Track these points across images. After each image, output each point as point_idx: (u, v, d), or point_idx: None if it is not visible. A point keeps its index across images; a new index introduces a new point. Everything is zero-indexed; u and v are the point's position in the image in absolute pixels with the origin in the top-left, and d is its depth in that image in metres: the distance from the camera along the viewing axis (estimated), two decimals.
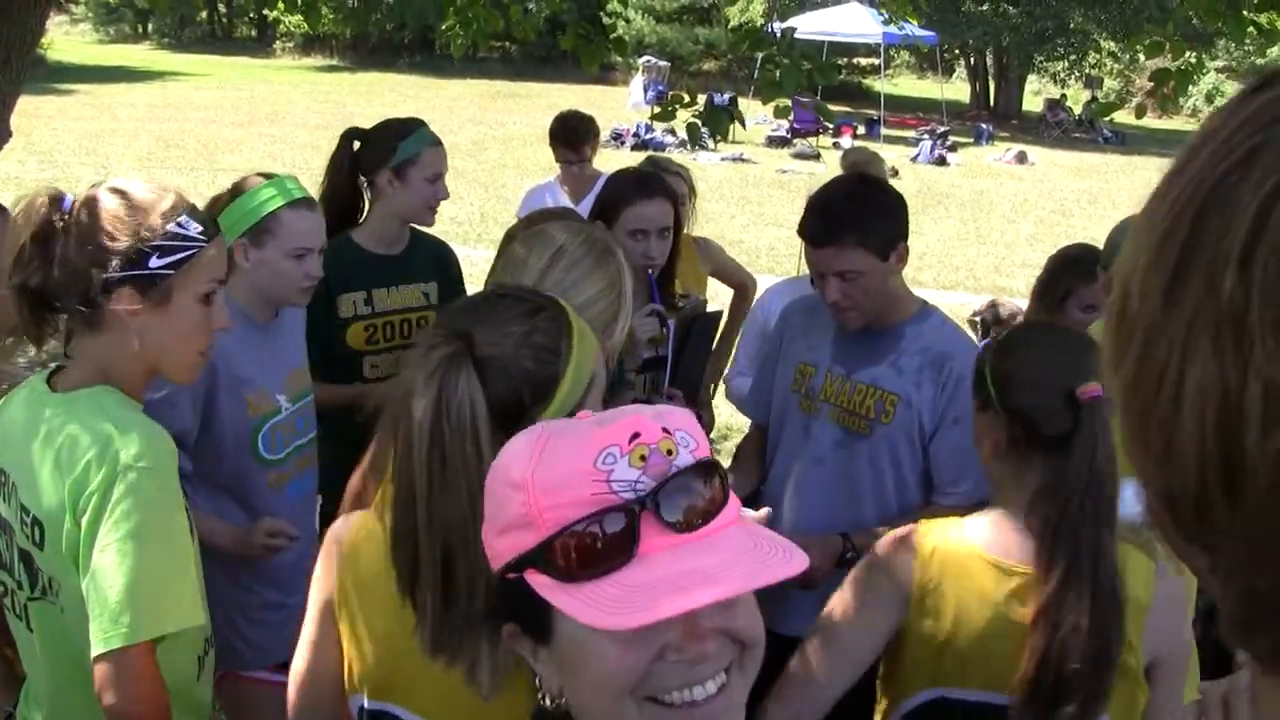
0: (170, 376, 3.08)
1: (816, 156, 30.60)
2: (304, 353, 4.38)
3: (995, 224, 22.49)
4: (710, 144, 31.14)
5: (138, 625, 2.64)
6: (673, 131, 31.64)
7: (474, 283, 5.76)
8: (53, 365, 3.00)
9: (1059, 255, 5.32)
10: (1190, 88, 6.96)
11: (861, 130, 34.58)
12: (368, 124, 5.39)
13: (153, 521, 2.71)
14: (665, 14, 50.64)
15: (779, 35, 7.03)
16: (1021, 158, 33.49)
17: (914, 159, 31.29)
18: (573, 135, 7.80)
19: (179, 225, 2.86)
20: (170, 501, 2.79)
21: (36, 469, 2.79)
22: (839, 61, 36.98)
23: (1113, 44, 49.12)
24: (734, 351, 6.00)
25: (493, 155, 26.78)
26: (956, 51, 49.46)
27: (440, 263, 5.41)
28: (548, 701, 1.64)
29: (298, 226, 4.07)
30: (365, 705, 2.52)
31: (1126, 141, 39.53)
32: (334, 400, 4.51)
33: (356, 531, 2.57)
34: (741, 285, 6.88)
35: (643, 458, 1.49)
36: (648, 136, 30.26)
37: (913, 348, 4.02)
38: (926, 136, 34.39)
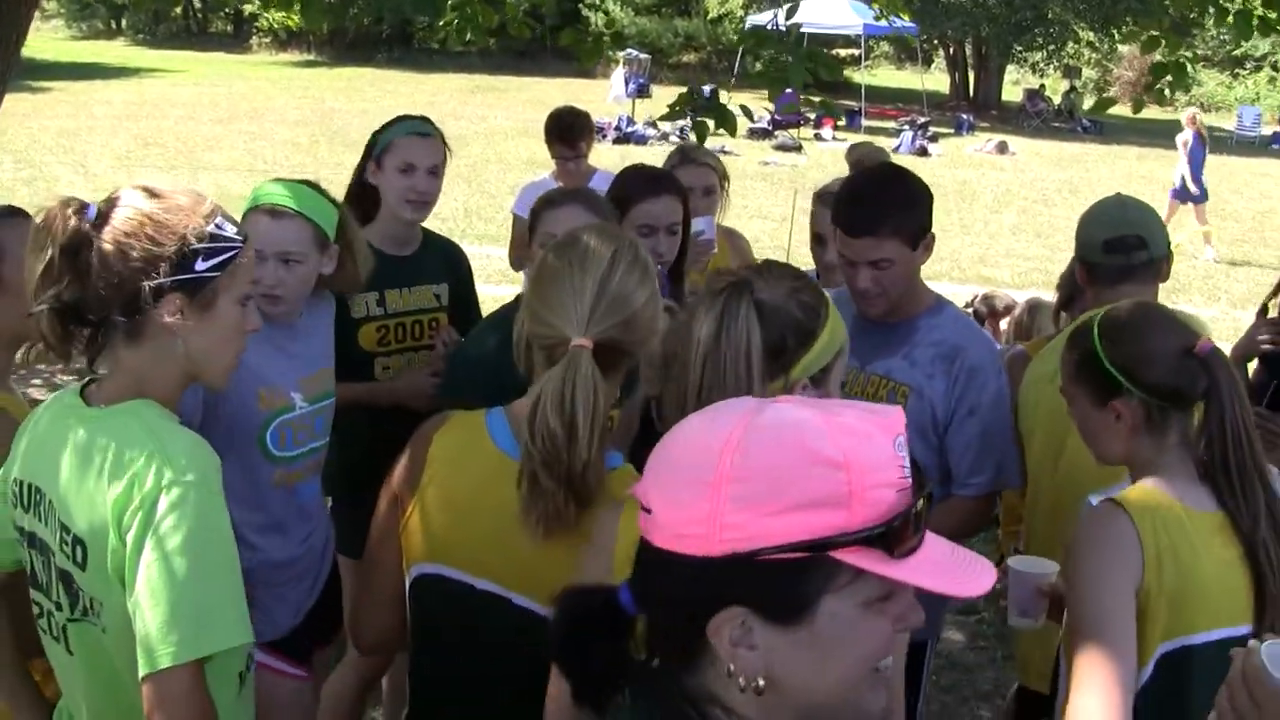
0: (208, 383, 3.01)
1: (798, 148, 30.61)
2: (329, 356, 4.32)
3: (978, 214, 22.50)
4: (692, 136, 31.12)
5: (186, 644, 2.58)
6: (654, 125, 31.64)
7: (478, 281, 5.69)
8: (84, 380, 2.92)
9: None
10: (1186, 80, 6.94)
11: (843, 122, 34.58)
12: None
13: (200, 537, 2.65)
14: (644, 6, 50.59)
15: (785, 30, 6.96)
16: (1002, 148, 33.52)
17: (895, 150, 31.19)
18: (568, 131, 7.80)
19: (218, 227, 2.82)
20: (217, 516, 2.72)
21: (76, 487, 2.73)
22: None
23: (1091, 34, 49.26)
24: None
25: (475, 150, 26.63)
26: (935, 42, 49.47)
27: (451, 263, 5.35)
28: (740, 684, 1.67)
29: (261, 231, 3.97)
30: (417, 573, 2.93)
31: (1105, 131, 39.57)
32: (345, 398, 4.44)
33: (451, 423, 2.98)
34: None
35: (900, 445, 1.66)
36: (629, 130, 30.23)
37: (926, 340, 4.09)
38: (907, 127, 34.43)
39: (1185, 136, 21.03)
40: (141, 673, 2.58)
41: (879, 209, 4.09)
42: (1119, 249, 4.22)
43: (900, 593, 1.67)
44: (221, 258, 2.80)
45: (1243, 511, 3.07)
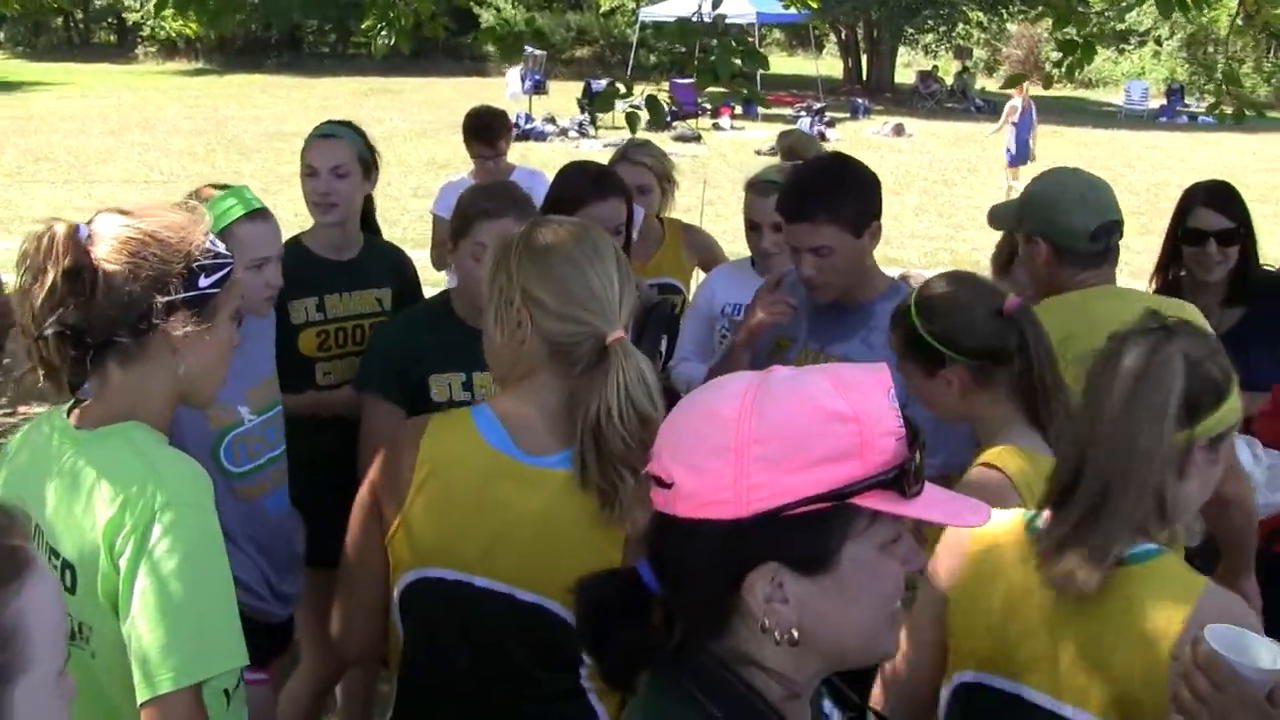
0: (199, 401, 3.00)
1: (698, 139, 30.66)
2: (271, 364, 4.32)
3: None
4: (592, 130, 31.10)
5: (184, 668, 2.55)
6: (552, 120, 31.62)
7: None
8: (69, 402, 2.88)
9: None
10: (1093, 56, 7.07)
11: (739, 110, 34.67)
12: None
13: (194, 560, 2.63)
14: (536, 2, 50.50)
15: (712, 22, 6.98)
16: (899, 130, 33.78)
17: (799, 130, 31.47)
18: (486, 130, 7.83)
19: (213, 243, 2.83)
20: (211, 538, 2.70)
21: (66, 511, 2.70)
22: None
23: (980, 14, 49.75)
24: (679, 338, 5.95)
25: None
26: (827, 27, 49.73)
27: (395, 268, 5.36)
28: (776, 638, 1.78)
29: (252, 237, 4.04)
30: (413, 578, 2.90)
31: (999, 110, 39.81)
32: (290, 409, 4.41)
33: (436, 427, 2.94)
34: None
35: (893, 397, 1.79)
36: (528, 126, 30.13)
37: (883, 324, 4.04)
38: (804, 113, 34.61)
39: (1015, 103, 23.52)
40: (142, 698, 2.55)
41: (818, 196, 4.16)
42: (1102, 235, 4.20)
43: (904, 536, 1.81)
44: (221, 274, 2.81)
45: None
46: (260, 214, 4.13)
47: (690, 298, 6.23)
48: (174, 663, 2.54)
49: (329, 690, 5.33)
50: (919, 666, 2.95)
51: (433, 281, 6.94)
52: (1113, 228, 4.19)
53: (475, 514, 2.85)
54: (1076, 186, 4.26)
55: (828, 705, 2.03)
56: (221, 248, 2.86)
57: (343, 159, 5.01)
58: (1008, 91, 25.71)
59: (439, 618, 2.93)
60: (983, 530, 2.77)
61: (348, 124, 5.24)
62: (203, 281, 2.77)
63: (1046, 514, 2.72)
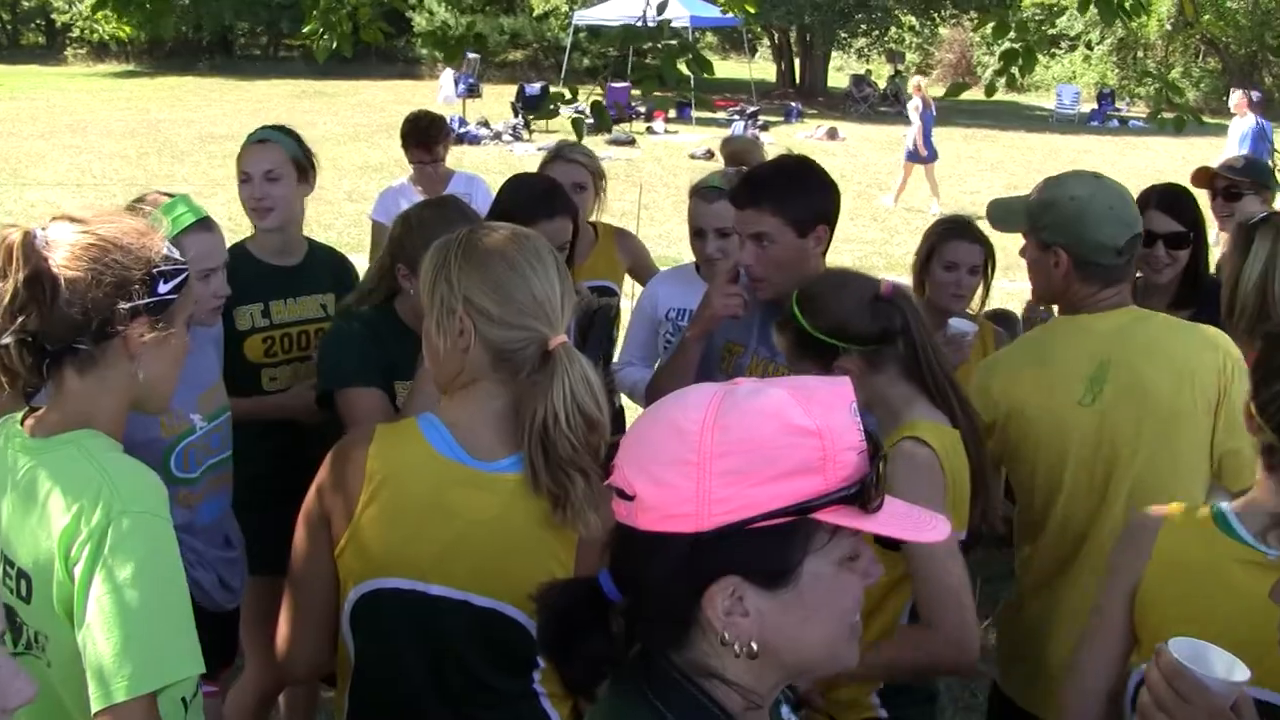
0: (153, 407, 2.99)
1: (632, 142, 30.68)
2: (217, 371, 4.31)
3: None
4: (526, 134, 31.06)
5: (140, 677, 2.53)
6: (486, 124, 31.55)
7: None
8: (22, 411, 2.86)
9: (931, 225, 5.71)
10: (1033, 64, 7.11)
11: (673, 114, 34.72)
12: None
13: (150, 568, 2.61)
14: (469, 5, 50.39)
15: (656, 27, 6.98)
16: (832, 134, 33.95)
17: (743, 134, 31.49)
18: (424, 135, 7.81)
19: (169, 249, 2.83)
20: (166, 546, 2.68)
21: (20, 520, 2.68)
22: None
23: (913, 19, 50.03)
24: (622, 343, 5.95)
25: None
26: (761, 31, 49.88)
27: (337, 273, 5.35)
28: (735, 651, 1.78)
29: (199, 248, 4.02)
30: (365, 590, 2.87)
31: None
32: (238, 414, 4.39)
33: (384, 437, 2.91)
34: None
35: (854, 411, 1.80)
36: (462, 130, 30.02)
37: None
38: (737, 117, 34.69)
39: (915, 104, 23.43)
40: (96, 707, 2.53)
41: (765, 185, 4.23)
42: (1128, 250, 3.97)
43: (863, 550, 1.82)
44: (178, 280, 2.82)
45: (960, 419, 3.55)
46: (206, 223, 4.13)
47: (632, 301, 6.22)
48: (129, 671, 2.52)
49: (273, 700, 5.31)
50: (1108, 660, 2.93)
51: None
52: (1137, 241, 4.02)
53: (429, 522, 2.84)
54: (1105, 198, 3.97)
55: (786, 710, 2.06)
56: (177, 254, 2.86)
57: (275, 163, 5.01)
58: (939, 95, 25.89)
59: (393, 628, 2.91)
60: (1169, 525, 2.84)
61: (282, 128, 5.23)
62: (162, 288, 2.77)
63: (1237, 503, 2.77)
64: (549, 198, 4.91)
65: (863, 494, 1.74)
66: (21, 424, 2.81)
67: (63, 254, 2.66)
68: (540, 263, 2.88)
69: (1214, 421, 3.75)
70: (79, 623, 2.58)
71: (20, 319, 2.64)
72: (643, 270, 6.69)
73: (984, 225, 4.66)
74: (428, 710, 2.96)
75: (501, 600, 2.86)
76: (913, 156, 23.24)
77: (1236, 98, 18.80)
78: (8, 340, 2.65)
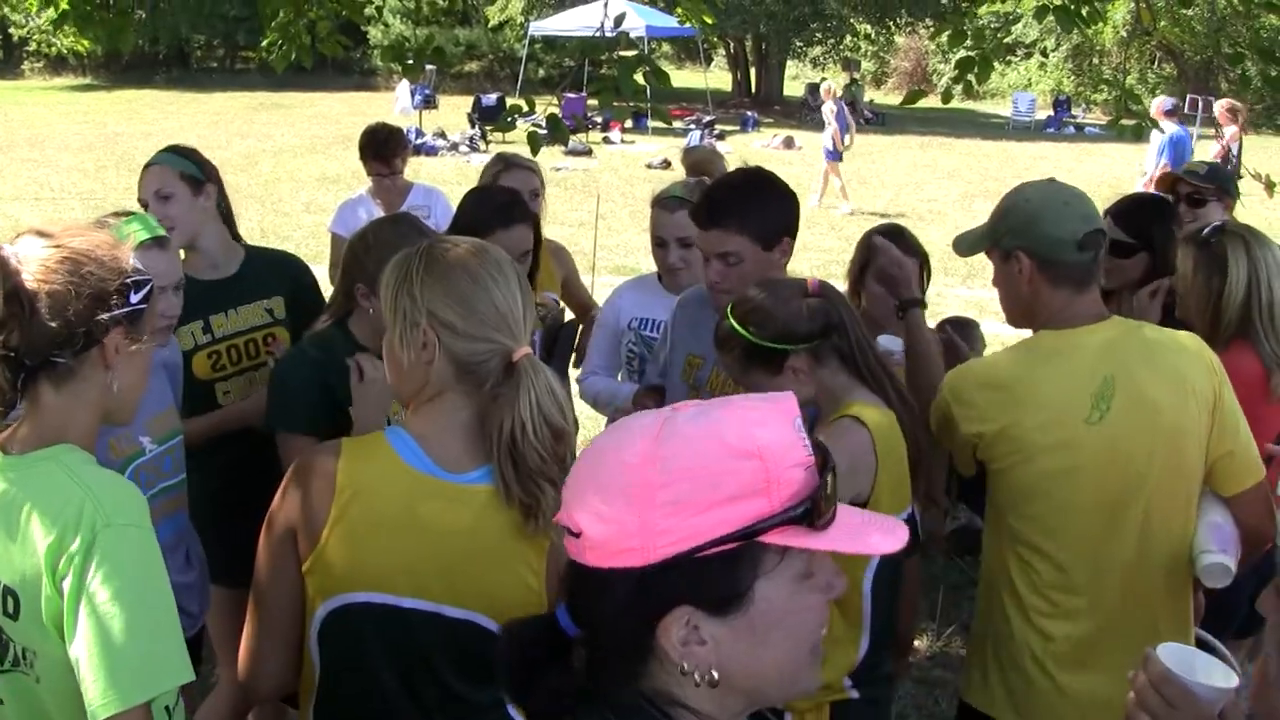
0: (122, 418, 2.99)
1: (589, 153, 30.65)
2: (169, 396, 4.29)
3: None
4: (482, 145, 31.03)
5: (135, 687, 2.57)
6: (443, 135, 31.50)
7: None
8: None
9: (866, 233, 5.63)
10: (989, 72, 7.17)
11: (629, 124, 34.76)
12: (133, 143, 5.27)
13: (138, 579, 2.65)
14: (425, 17, 50.36)
15: (614, 38, 7.01)
16: (789, 143, 34.03)
17: (701, 144, 31.51)
18: (383, 148, 7.81)
19: (136, 260, 2.87)
20: (151, 556, 2.71)
21: (4, 538, 2.68)
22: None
23: (868, 27, 50.18)
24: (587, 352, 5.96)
25: (265, 169, 26.30)
26: (716, 40, 49.97)
27: (284, 276, 5.29)
28: (695, 680, 1.74)
29: (151, 266, 3.94)
30: (336, 605, 2.87)
31: (887, 122, 40.41)
32: (194, 432, 4.40)
33: (352, 452, 2.91)
34: (583, 307, 6.87)
35: (799, 427, 1.77)
36: (419, 141, 29.97)
37: None
38: (694, 126, 34.74)
39: (830, 106, 24.81)
40: (95, 718, 2.55)
41: (728, 205, 4.23)
42: (1090, 245, 3.85)
43: (821, 566, 1.79)
44: (146, 289, 2.85)
45: (894, 401, 3.73)
46: (160, 242, 4.13)
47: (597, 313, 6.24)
48: (125, 681, 2.55)
49: (245, 715, 5.29)
50: None
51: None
52: (1099, 237, 3.87)
53: (400, 535, 2.85)
54: (1060, 194, 3.91)
55: None
56: (143, 265, 2.89)
57: (162, 182, 4.97)
58: (895, 103, 26.00)
59: (365, 642, 2.92)
60: None
61: (173, 148, 5.19)
62: (134, 297, 2.80)
63: None
64: (508, 208, 4.97)
65: (810, 512, 1.71)
66: None
67: (36, 269, 2.67)
68: (502, 275, 2.90)
69: (1210, 426, 3.75)
70: (70, 636, 2.59)
71: (6, 337, 2.65)
72: (574, 286, 6.75)
73: (926, 232, 4.66)
74: (396, 714, 2.97)
75: (475, 611, 2.89)
76: (832, 156, 24.46)
77: (1154, 106, 19.08)
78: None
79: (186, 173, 5.00)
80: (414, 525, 2.85)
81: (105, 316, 2.72)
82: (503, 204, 5.03)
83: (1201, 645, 3.87)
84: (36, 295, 2.65)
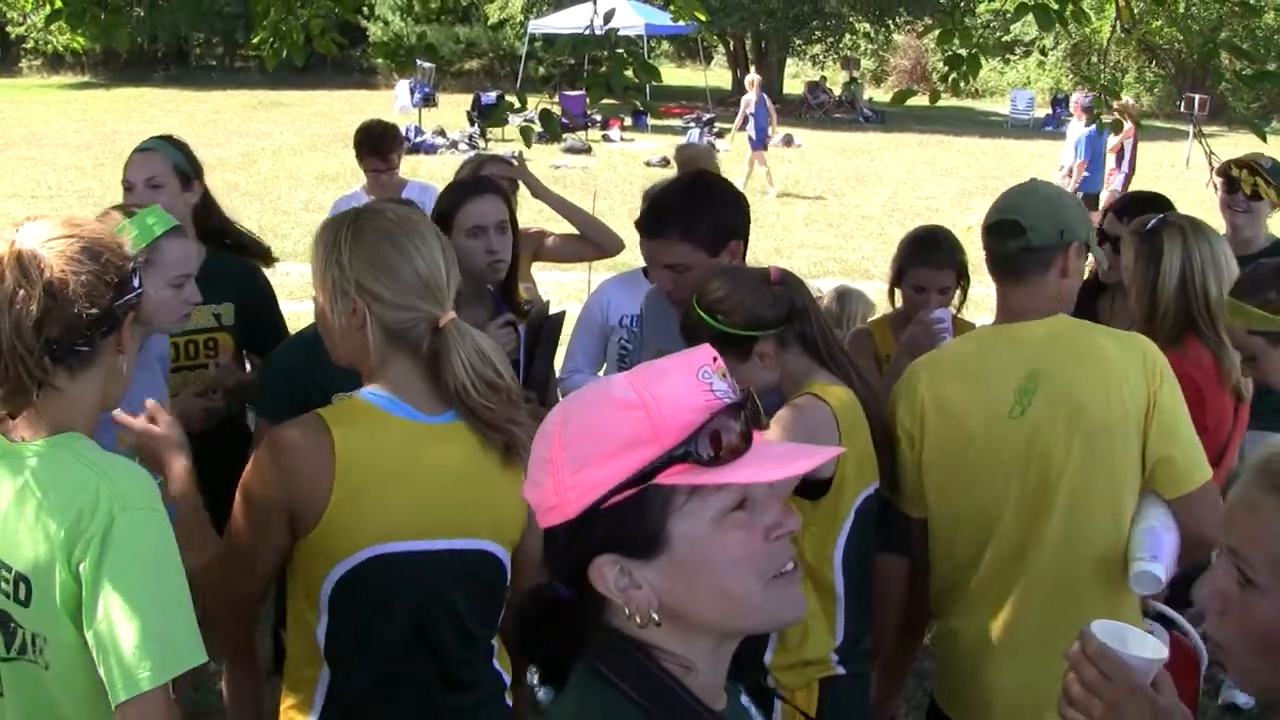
0: (113, 401, 3.02)
1: (588, 150, 30.67)
2: (164, 389, 4.30)
3: (770, 206, 22.78)
4: (481, 143, 31.04)
5: (159, 666, 2.60)
6: (442, 133, 31.51)
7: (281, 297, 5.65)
8: None
9: (905, 237, 5.59)
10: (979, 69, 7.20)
11: (629, 121, 34.79)
12: (131, 141, 5.27)
13: (155, 561, 2.69)
14: (424, 14, 50.36)
15: (605, 35, 7.03)
16: (788, 140, 33.95)
17: (694, 142, 31.53)
18: (379, 144, 7.84)
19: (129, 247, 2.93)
20: (166, 539, 2.74)
21: (13, 524, 2.70)
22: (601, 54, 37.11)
23: (867, 25, 50.18)
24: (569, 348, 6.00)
25: (264, 167, 26.30)
26: (716, 38, 49.98)
27: (237, 282, 5.28)
28: (639, 621, 1.87)
29: (177, 254, 4.05)
30: (352, 564, 2.97)
31: (887, 120, 40.37)
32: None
33: (340, 418, 3.01)
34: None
35: (724, 375, 1.89)
36: (418, 139, 29.99)
37: None
38: (693, 124, 34.77)
39: (750, 97, 26.25)
40: (120, 699, 2.58)
41: (669, 213, 4.28)
42: (994, 232, 3.93)
43: (760, 503, 1.87)
44: (140, 274, 2.92)
45: (854, 383, 3.78)
46: (181, 230, 4.14)
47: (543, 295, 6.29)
48: (149, 662, 2.58)
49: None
50: None
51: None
52: (1009, 228, 3.91)
53: (407, 483, 2.99)
54: (1043, 189, 4.04)
55: (745, 700, 2.12)
56: (169, 255, 3.05)
57: (157, 170, 5.03)
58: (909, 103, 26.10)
59: (382, 596, 3.02)
60: None
61: (167, 138, 5.25)
62: (135, 282, 2.86)
63: None
64: (475, 183, 5.13)
65: (695, 451, 1.80)
66: None
67: (61, 260, 2.71)
68: (424, 241, 3.04)
69: (1146, 429, 3.72)
70: (89, 621, 2.62)
71: (45, 329, 2.69)
72: (549, 247, 6.81)
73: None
74: (418, 671, 3.10)
75: (483, 539, 3.10)
76: (756, 144, 25.93)
77: (1073, 102, 19.32)
78: (35, 352, 2.70)
79: (179, 166, 5.06)
80: (416, 469, 3.00)
81: (122, 301, 2.78)
82: (469, 180, 5.24)
83: (1160, 619, 3.96)
84: (67, 285, 2.69)
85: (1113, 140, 19.37)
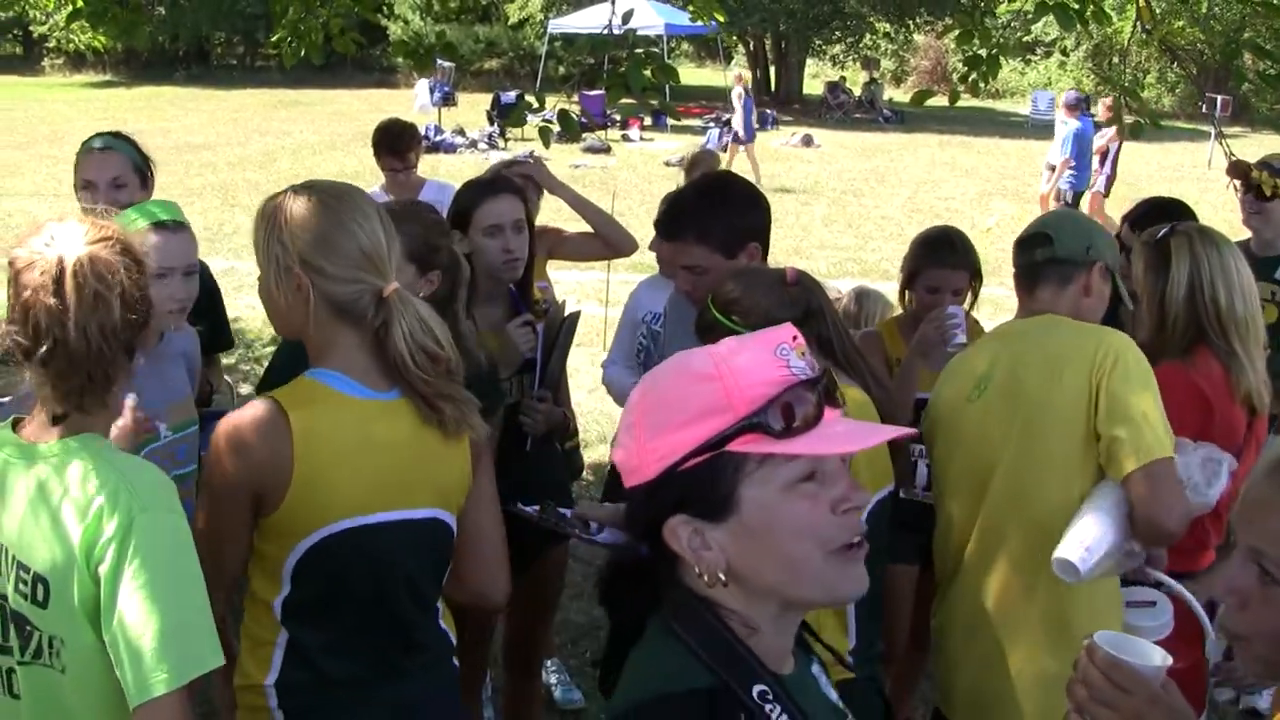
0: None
1: (607, 150, 30.65)
2: (188, 385, 4.32)
3: (789, 207, 22.72)
4: (501, 142, 31.05)
5: (177, 669, 2.60)
6: (461, 132, 31.52)
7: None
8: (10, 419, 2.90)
9: (917, 237, 5.58)
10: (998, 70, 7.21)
11: (649, 121, 34.80)
12: (152, 139, 5.27)
13: (174, 562, 2.69)
14: (444, 14, 50.40)
15: (623, 35, 7.05)
16: (807, 141, 33.95)
17: (704, 147, 31.50)
18: (397, 143, 7.85)
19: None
20: (185, 540, 2.75)
21: (33, 526, 2.70)
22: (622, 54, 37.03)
23: (887, 25, 50.12)
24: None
25: (284, 166, 26.30)
26: (736, 39, 49.95)
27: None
28: (707, 581, 1.98)
29: (163, 244, 4.00)
30: (312, 542, 3.07)
31: (906, 120, 40.29)
32: None
33: (294, 399, 3.07)
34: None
35: (803, 353, 1.99)
36: (437, 138, 30.01)
37: None
38: (713, 124, 34.69)
39: (739, 91, 27.26)
40: (138, 701, 2.58)
41: (687, 216, 4.30)
42: (1023, 244, 4.11)
43: (829, 476, 1.98)
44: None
45: (870, 384, 3.76)
46: (168, 225, 4.11)
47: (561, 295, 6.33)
48: (168, 665, 2.58)
49: None
50: None
51: None
52: (1038, 240, 4.14)
53: (362, 458, 3.08)
54: (1076, 214, 4.14)
55: (816, 669, 2.22)
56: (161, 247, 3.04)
57: (120, 170, 5.06)
58: (918, 104, 26.09)
59: (343, 568, 3.13)
60: None
61: (120, 135, 5.26)
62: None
63: None
64: (489, 182, 5.17)
65: (765, 422, 1.91)
66: (14, 431, 2.84)
67: (105, 264, 2.73)
68: (365, 216, 3.11)
69: (1091, 414, 3.72)
70: (106, 623, 2.62)
71: (121, 329, 2.73)
72: (564, 246, 6.83)
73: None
74: (375, 633, 3.23)
75: (434, 507, 3.25)
76: (735, 139, 26.99)
77: (1062, 101, 19.52)
78: (121, 353, 2.76)
79: (137, 165, 5.12)
80: (370, 446, 3.11)
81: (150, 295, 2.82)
82: (485, 180, 5.25)
83: (1159, 586, 3.97)
84: (125, 289, 2.73)
85: (1099, 141, 19.57)
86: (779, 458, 1.93)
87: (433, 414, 3.13)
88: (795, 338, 2.01)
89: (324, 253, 3.04)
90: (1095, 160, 19.96)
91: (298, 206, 3.09)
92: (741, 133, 26.91)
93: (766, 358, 1.97)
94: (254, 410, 3.07)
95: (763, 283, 3.76)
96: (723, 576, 1.96)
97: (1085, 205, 19.28)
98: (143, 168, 5.13)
